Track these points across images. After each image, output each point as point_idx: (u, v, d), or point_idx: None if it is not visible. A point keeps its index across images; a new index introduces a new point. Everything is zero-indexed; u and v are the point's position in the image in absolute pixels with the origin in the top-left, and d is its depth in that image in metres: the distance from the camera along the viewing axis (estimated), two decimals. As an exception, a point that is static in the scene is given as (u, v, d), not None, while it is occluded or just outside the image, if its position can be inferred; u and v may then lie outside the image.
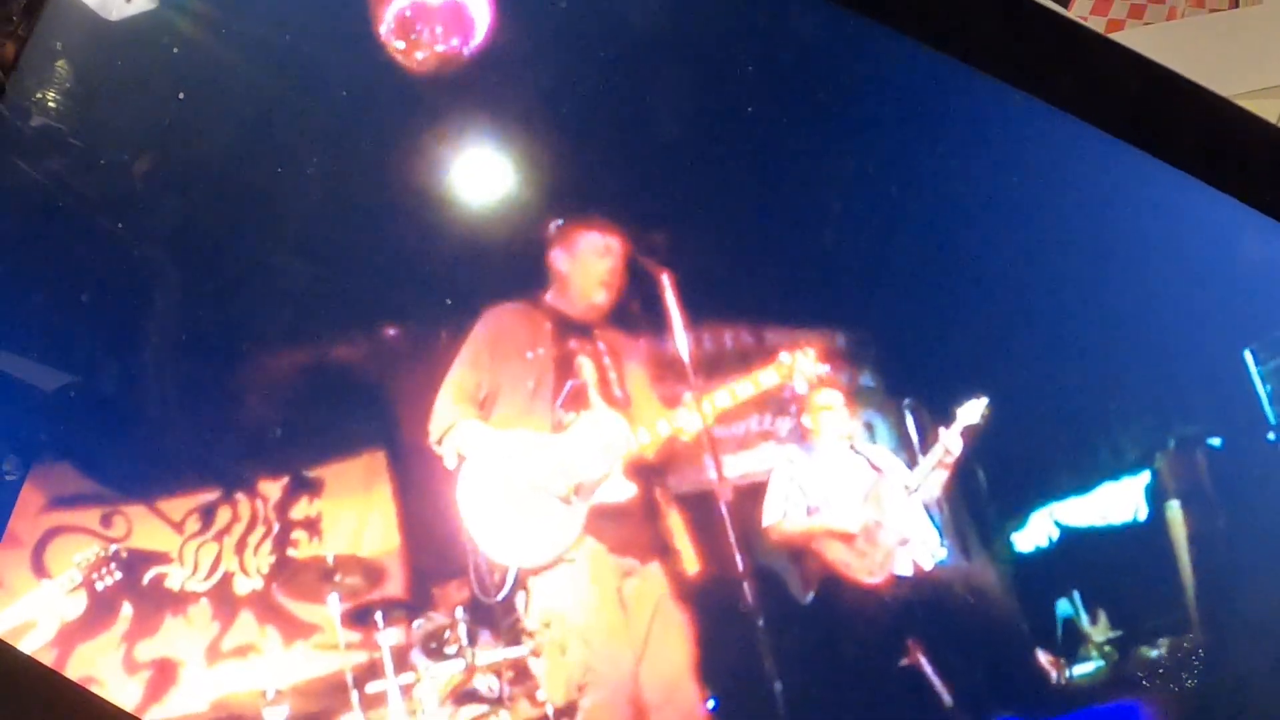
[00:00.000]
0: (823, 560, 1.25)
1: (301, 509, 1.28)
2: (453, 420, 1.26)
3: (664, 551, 1.25)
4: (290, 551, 1.28)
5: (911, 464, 1.24)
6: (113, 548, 1.26)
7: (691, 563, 1.24)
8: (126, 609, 1.27)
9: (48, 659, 1.26)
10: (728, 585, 1.21)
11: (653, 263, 1.22)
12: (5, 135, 1.22)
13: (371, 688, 1.25)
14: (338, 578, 1.26)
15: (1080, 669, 1.16)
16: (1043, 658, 1.17)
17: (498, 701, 1.26)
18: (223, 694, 1.27)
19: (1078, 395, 1.17)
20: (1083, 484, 1.16)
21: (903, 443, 1.24)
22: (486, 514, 1.26)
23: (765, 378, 1.23)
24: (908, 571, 1.23)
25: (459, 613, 1.25)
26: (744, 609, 1.20)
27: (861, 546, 1.25)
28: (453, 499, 1.26)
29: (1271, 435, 1.12)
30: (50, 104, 1.21)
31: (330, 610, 1.26)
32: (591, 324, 1.29)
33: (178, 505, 1.28)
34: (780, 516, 1.26)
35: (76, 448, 1.28)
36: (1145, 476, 1.16)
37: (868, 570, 1.24)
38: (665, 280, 1.22)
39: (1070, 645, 1.15)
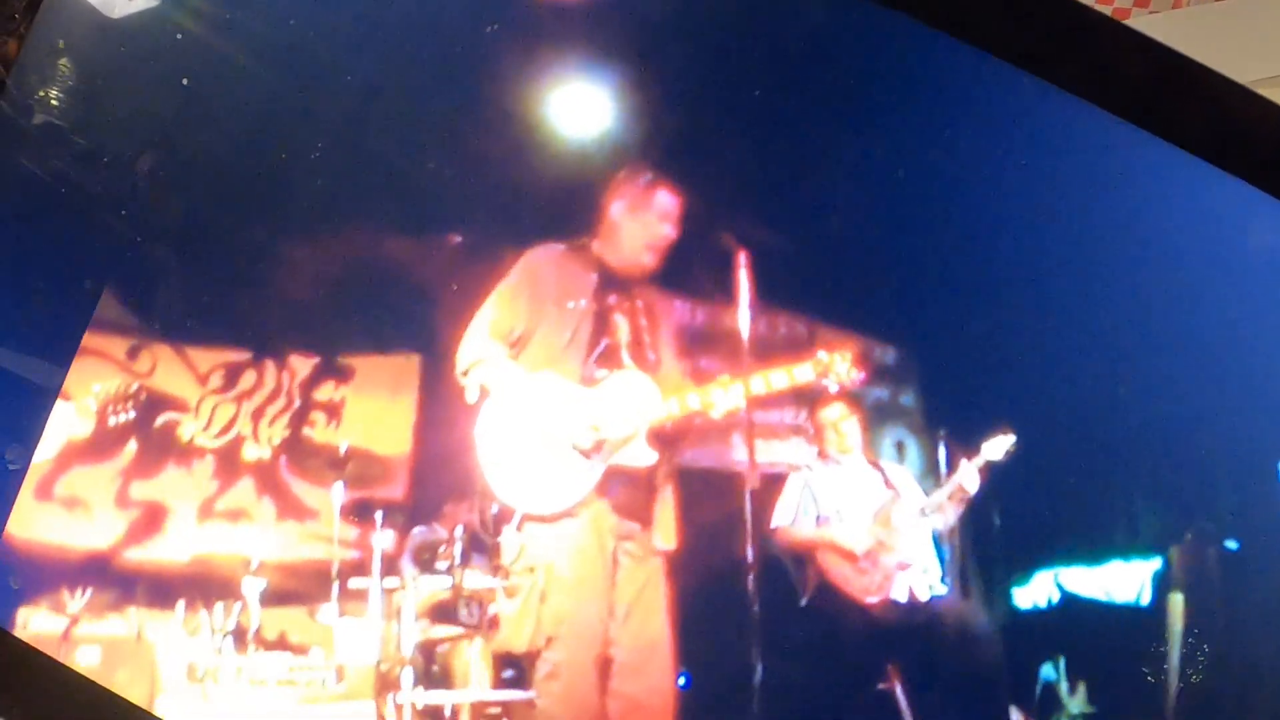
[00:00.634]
0: (822, 570, 1.25)
1: (326, 391, 1.28)
2: (483, 354, 1.25)
3: (667, 524, 1.25)
4: (305, 430, 1.27)
5: (932, 490, 1.24)
6: (134, 385, 1.25)
7: (692, 540, 1.23)
8: (131, 445, 1.27)
9: (44, 474, 1.25)
10: (725, 571, 1.21)
11: (729, 238, 1.22)
12: (7, 131, 1.22)
13: (354, 583, 1.24)
14: (347, 468, 1.26)
15: (1048, 735, 1.17)
16: (1015, 714, 1.17)
17: (475, 628, 1.26)
18: (205, 551, 1.27)
19: (1110, 463, 1.17)
20: (1094, 554, 1.17)
21: (930, 469, 1.24)
22: (501, 453, 1.26)
23: (800, 372, 1.23)
24: (903, 597, 1.23)
25: (458, 531, 1.25)
26: (736, 597, 1.20)
27: (863, 565, 1.25)
28: (470, 429, 1.26)
29: (1288, 552, 1.13)
30: (53, 101, 1.20)
31: (333, 497, 1.26)
32: (635, 282, 1.28)
33: (206, 357, 1.28)
34: (789, 521, 1.26)
35: (121, 275, 1.28)
36: (1156, 563, 1.16)
37: (865, 588, 1.24)
38: (741, 258, 1.22)
39: (1045, 709, 1.16)
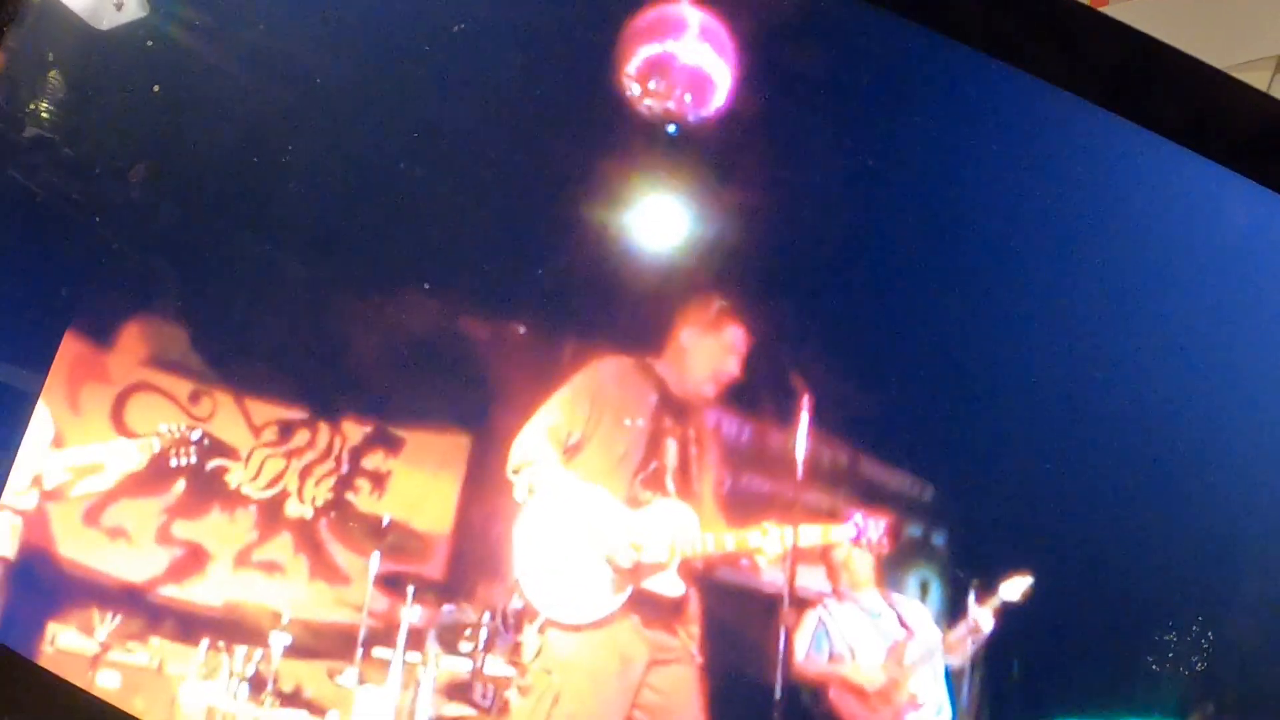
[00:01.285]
0: (834, 707, 1.26)
1: (374, 460, 1.30)
2: (536, 456, 1.26)
3: (687, 653, 1.26)
4: (349, 496, 1.29)
5: (948, 629, 1.25)
6: (195, 433, 1.28)
7: (710, 668, 1.25)
8: (180, 485, 1.29)
9: (95, 501, 1.28)
10: (741, 701, 1.23)
11: (797, 377, 1.23)
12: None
13: (377, 652, 1.27)
14: (387, 539, 1.28)
15: None
16: None
17: (487, 710, 1.28)
18: (238, 598, 1.29)
19: (1138, 621, 1.18)
20: (1109, 709, 1.17)
21: (946, 607, 1.25)
22: (537, 556, 1.27)
23: (837, 532, 1.24)
24: (914, 734, 1.25)
25: (486, 617, 1.27)
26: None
27: (875, 703, 1.26)
28: (511, 520, 1.28)
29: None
30: (43, 113, 1.22)
31: (370, 566, 1.28)
32: (692, 409, 1.29)
33: (263, 410, 1.30)
34: (804, 658, 1.27)
35: (194, 317, 1.30)
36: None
37: (875, 723, 1.26)
38: (805, 400, 1.23)
39: None
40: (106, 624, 1.29)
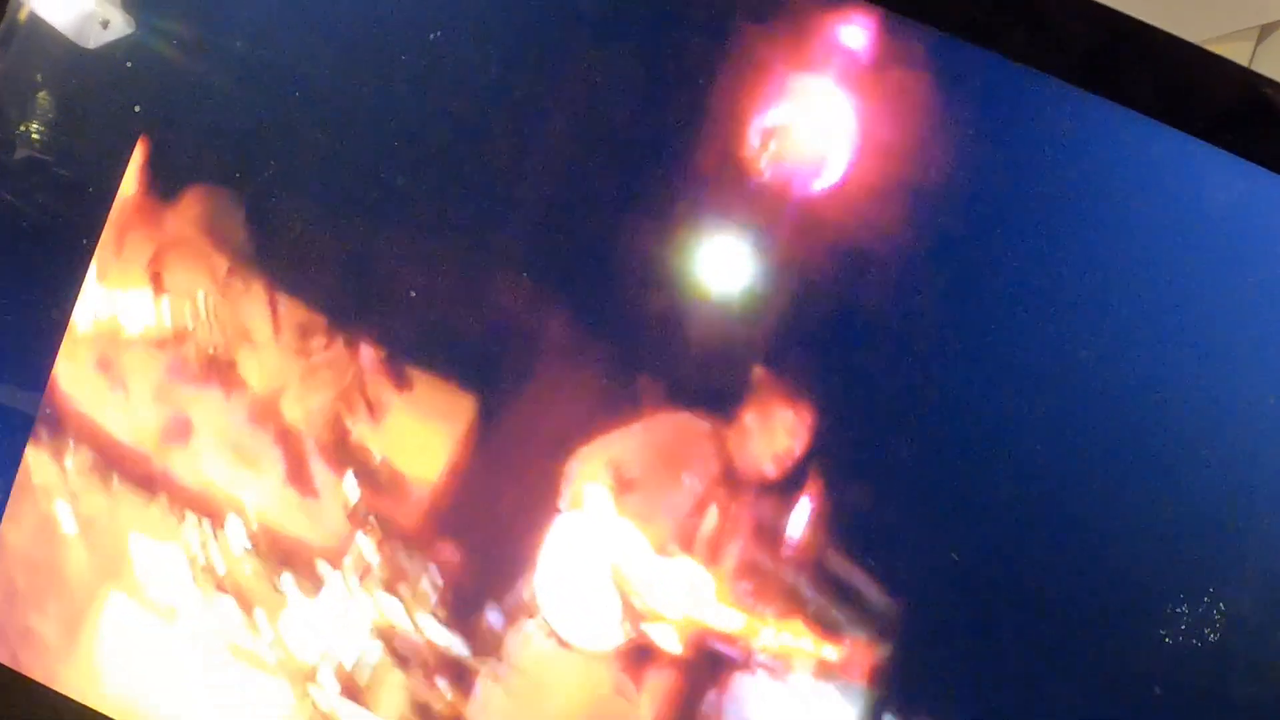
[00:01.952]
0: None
1: (379, 390, 1.30)
2: (592, 476, 1.27)
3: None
4: (344, 415, 1.30)
5: None
6: (217, 300, 1.28)
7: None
8: (189, 350, 1.30)
9: (109, 339, 1.29)
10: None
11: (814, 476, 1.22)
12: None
13: (323, 570, 1.27)
14: (371, 469, 1.29)
15: None
16: None
17: (397, 660, 1.29)
18: (209, 476, 1.30)
19: None
20: None
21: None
22: (557, 569, 1.28)
23: (828, 651, 1.23)
24: None
25: (434, 571, 1.27)
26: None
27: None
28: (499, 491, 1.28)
29: None
30: (34, 135, 1.21)
31: (345, 488, 1.28)
32: (744, 487, 1.28)
33: (292, 307, 1.30)
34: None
35: (259, 197, 1.30)
36: None
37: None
38: (808, 497, 1.22)
39: None
40: (78, 455, 1.31)
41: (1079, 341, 1.19)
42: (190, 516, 1.29)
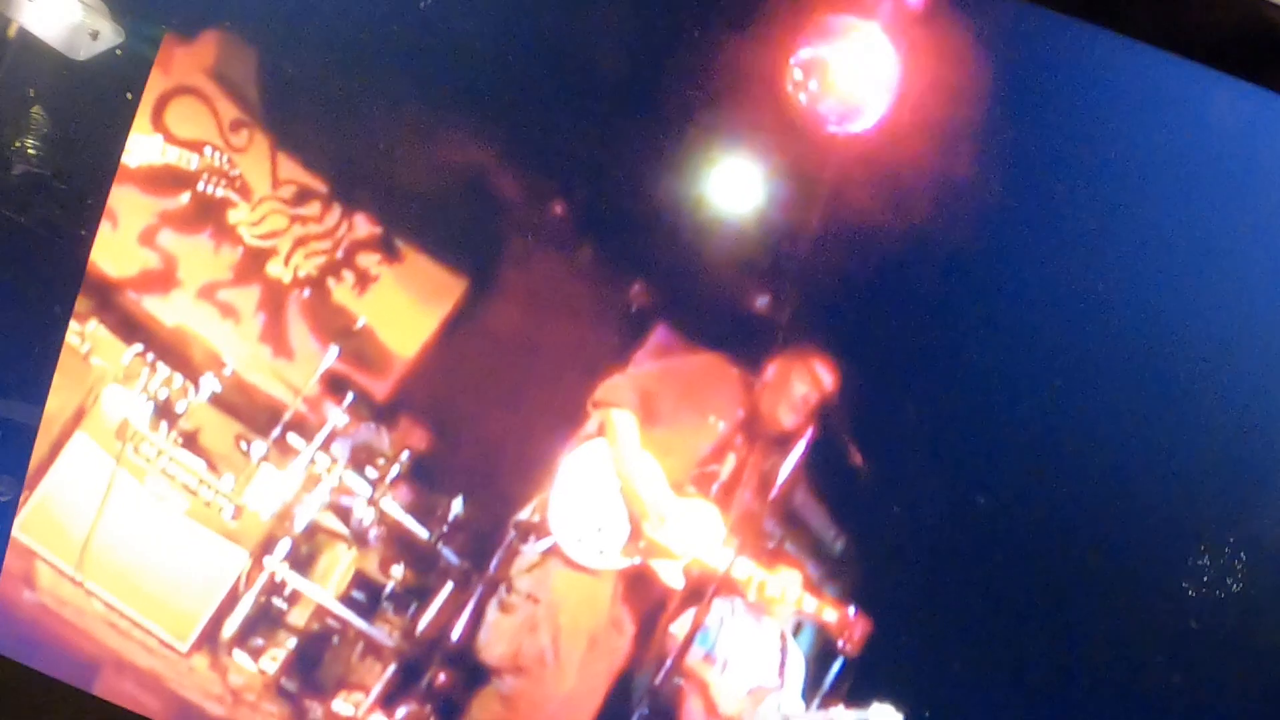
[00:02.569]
0: (681, 700, 1.23)
1: (369, 261, 1.27)
2: (623, 402, 1.25)
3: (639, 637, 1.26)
4: (329, 281, 1.27)
5: (812, 706, 1.21)
6: (220, 152, 1.25)
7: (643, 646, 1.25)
8: (184, 197, 1.28)
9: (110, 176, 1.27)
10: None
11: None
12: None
13: (292, 438, 1.25)
14: (352, 339, 1.26)
15: None
16: None
17: (354, 538, 1.26)
18: (188, 325, 1.27)
19: None
20: None
21: (818, 668, 1.21)
22: (573, 487, 1.26)
23: (828, 614, 1.22)
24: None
25: (404, 455, 1.24)
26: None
27: (716, 720, 1.23)
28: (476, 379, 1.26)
29: None
30: (29, 150, 1.18)
31: (326, 356, 1.25)
32: (765, 437, 1.27)
33: (292, 167, 1.27)
34: (682, 638, 1.24)
35: (274, 50, 1.27)
36: None
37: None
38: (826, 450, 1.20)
39: None
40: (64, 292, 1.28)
41: (1105, 288, 1.15)
42: (162, 367, 1.26)
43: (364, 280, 1.26)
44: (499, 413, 1.25)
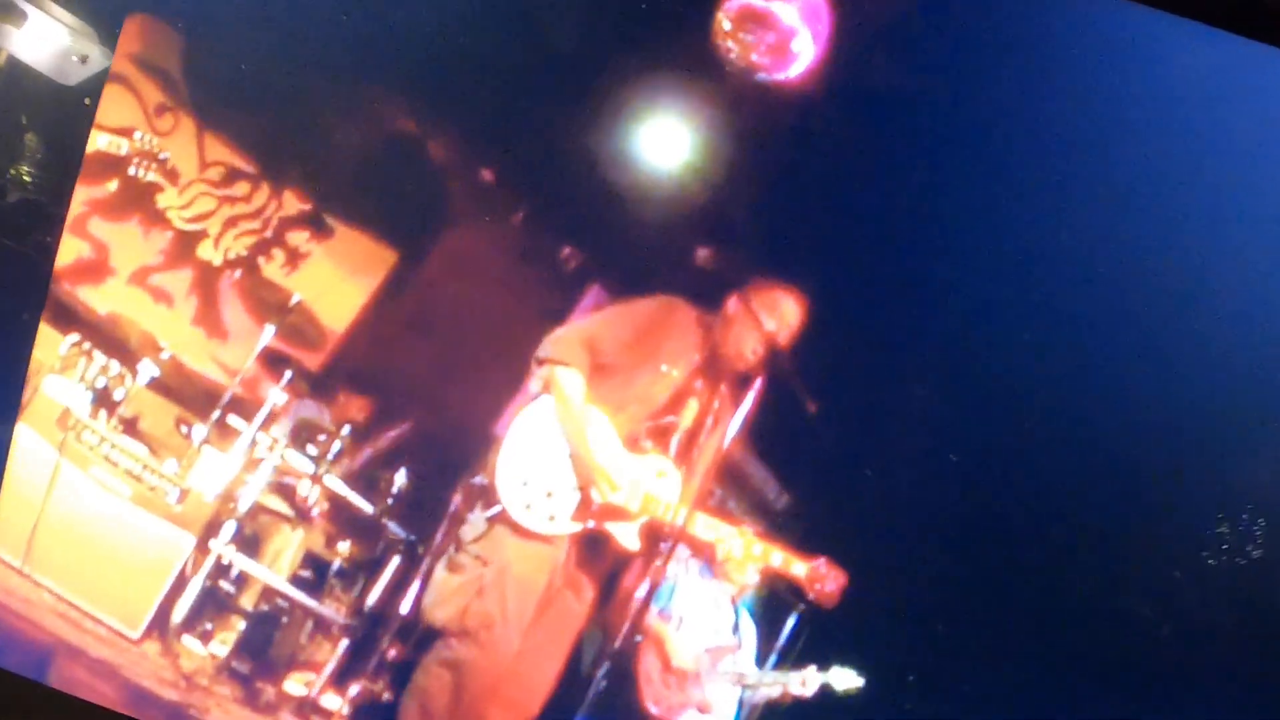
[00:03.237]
0: (637, 655, 1.22)
1: (299, 238, 1.27)
2: (568, 358, 1.22)
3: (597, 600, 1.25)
4: (260, 260, 1.26)
5: (769, 660, 1.20)
6: (146, 135, 1.25)
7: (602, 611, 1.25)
8: (112, 185, 1.27)
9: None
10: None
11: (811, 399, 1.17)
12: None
13: (232, 419, 1.24)
14: (288, 317, 1.25)
15: None
16: None
17: (299, 517, 1.26)
18: (124, 313, 1.27)
19: None
20: None
21: (776, 644, 1.20)
22: (521, 451, 1.24)
23: (798, 568, 1.19)
24: (681, 733, 1.20)
25: (345, 430, 1.24)
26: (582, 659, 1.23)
27: (670, 679, 1.21)
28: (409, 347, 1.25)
29: None
30: (25, 178, 1.18)
31: (263, 335, 1.25)
32: (726, 377, 1.24)
33: (219, 148, 1.27)
34: (638, 596, 1.23)
35: (194, 22, 1.26)
36: None
37: (656, 700, 1.21)
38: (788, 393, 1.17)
39: None
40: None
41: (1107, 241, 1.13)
42: (99, 355, 1.26)
43: (295, 258, 1.26)
44: (438, 381, 1.25)
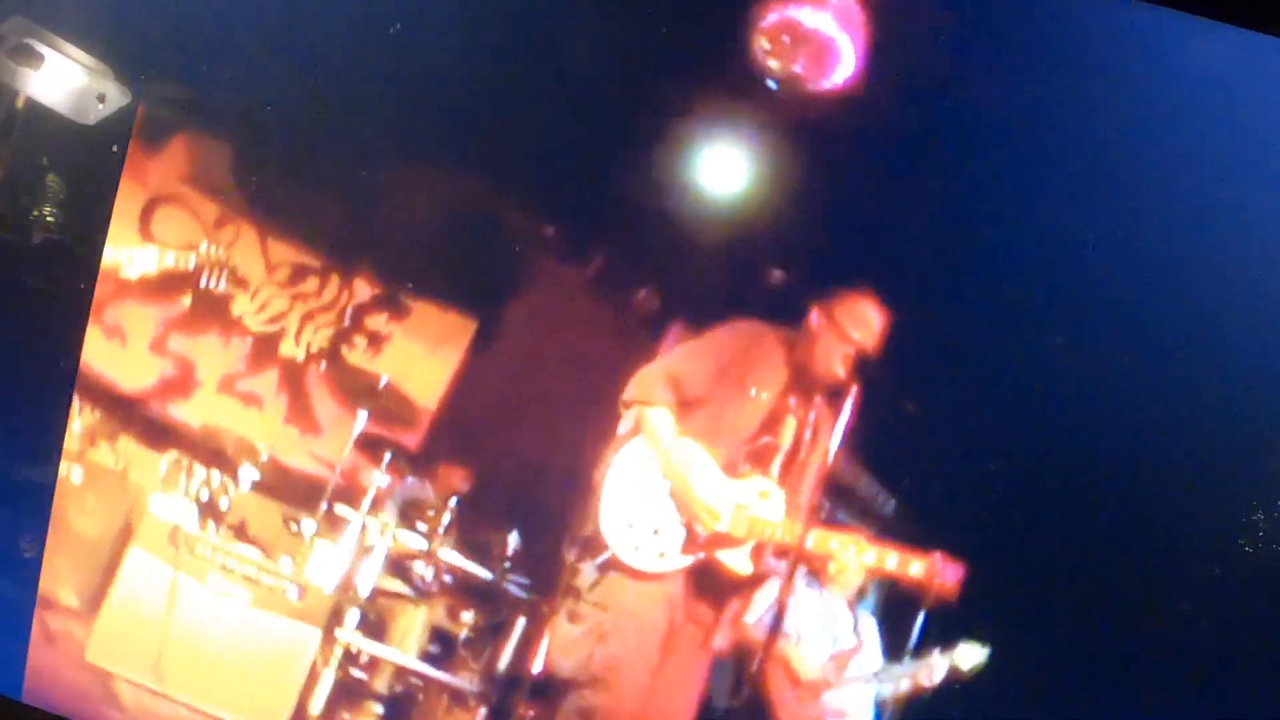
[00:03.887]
0: (765, 679, 1.23)
1: (377, 321, 1.28)
2: (651, 398, 1.24)
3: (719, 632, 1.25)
4: (344, 350, 1.28)
5: (893, 655, 1.21)
6: (211, 248, 1.27)
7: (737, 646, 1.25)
8: (185, 300, 1.29)
9: (99, 297, 1.29)
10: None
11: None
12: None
13: (339, 509, 1.26)
14: (377, 401, 1.27)
15: None
16: None
17: (421, 594, 1.27)
18: (217, 423, 1.29)
19: None
20: None
21: (903, 641, 1.21)
22: (620, 494, 1.25)
23: (915, 567, 1.19)
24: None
25: (452, 502, 1.25)
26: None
27: (802, 694, 1.23)
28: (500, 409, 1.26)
29: None
30: (49, 219, 1.21)
31: (357, 423, 1.27)
32: (820, 391, 1.24)
33: (282, 250, 1.29)
34: (753, 620, 1.24)
35: (243, 146, 1.29)
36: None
37: (795, 716, 1.22)
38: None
39: None
40: (85, 415, 1.30)
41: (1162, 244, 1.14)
42: (198, 469, 1.28)
43: (376, 341, 1.28)
44: (532, 437, 1.26)
